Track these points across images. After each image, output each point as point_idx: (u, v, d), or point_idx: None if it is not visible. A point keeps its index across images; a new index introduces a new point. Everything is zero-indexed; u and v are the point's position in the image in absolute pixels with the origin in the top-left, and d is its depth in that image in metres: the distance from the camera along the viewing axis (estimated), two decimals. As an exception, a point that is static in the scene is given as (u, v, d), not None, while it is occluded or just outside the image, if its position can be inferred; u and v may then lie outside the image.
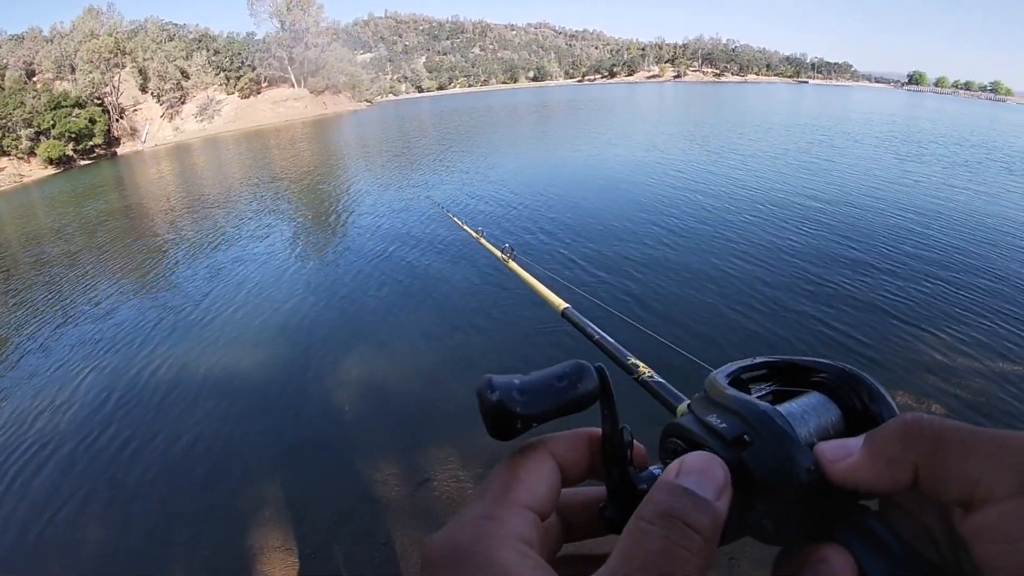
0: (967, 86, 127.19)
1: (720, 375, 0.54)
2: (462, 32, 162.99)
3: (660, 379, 1.02)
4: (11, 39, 70.35)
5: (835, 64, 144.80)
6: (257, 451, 7.02)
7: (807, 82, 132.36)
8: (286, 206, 22.63)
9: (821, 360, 0.49)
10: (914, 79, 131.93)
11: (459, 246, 13.16)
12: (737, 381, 0.54)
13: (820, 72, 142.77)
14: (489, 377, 0.49)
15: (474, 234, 3.55)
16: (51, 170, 53.55)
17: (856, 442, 0.38)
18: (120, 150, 63.92)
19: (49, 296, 14.70)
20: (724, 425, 0.46)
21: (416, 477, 6.12)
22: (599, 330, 1.40)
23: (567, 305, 1.75)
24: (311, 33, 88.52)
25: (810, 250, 11.49)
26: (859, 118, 42.72)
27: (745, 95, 78.95)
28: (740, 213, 14.43)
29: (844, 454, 0.38)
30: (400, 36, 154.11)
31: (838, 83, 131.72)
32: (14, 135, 52.54)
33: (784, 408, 0.45)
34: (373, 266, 13.08)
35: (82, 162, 57.21)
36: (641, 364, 1.13)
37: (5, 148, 51.84)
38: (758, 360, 0.51)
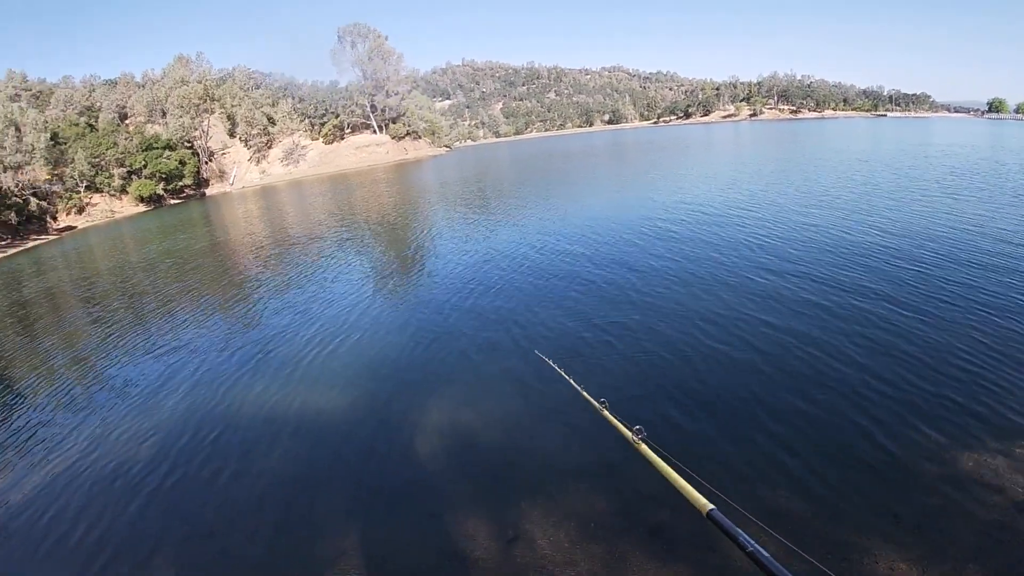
0: None
1: None
2: (537, 78, 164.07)
3: None
4: (105, 83, 73.16)
5: (913, 95, 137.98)
6: (334, 497, 6.69)
7: (886, 115, 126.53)
8: (371, 248, 21.80)
9: None
10: (994, 107, 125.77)
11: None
12: None
13: (898, 104, 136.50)
14: None
15: (596, 404, 2.98)
16: (142, 207, 54.25)
17: None
18: (208, 191, 64.82)
19: (137, 326, 14.71)
20: None
21: (505, 534, 5.63)
22: (752, 541, 1.26)
23: (713, 507, 1.51)
24: (392, 81, 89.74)
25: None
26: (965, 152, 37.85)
27: (825, 131, 74.84)
28: None
29: None
30: (477, 83, 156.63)
31: (917, 115, 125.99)
32: (107, 173, 53.38)
33: None
34: (457, 324, 11.83)
35: (172, 201, 57.92)
36: None
37: (98, 185, 52.67)
38: None
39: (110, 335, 14.19)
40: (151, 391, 10.33)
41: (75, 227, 47.19)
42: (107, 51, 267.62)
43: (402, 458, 7.15)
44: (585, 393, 3.51)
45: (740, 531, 1.30)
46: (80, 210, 49.97)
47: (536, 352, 11.35)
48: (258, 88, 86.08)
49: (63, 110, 60.38)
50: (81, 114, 60.99)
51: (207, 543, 6.13)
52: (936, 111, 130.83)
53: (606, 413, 2.85)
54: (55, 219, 47.34)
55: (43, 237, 42.37)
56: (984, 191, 20.65)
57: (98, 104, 65.47)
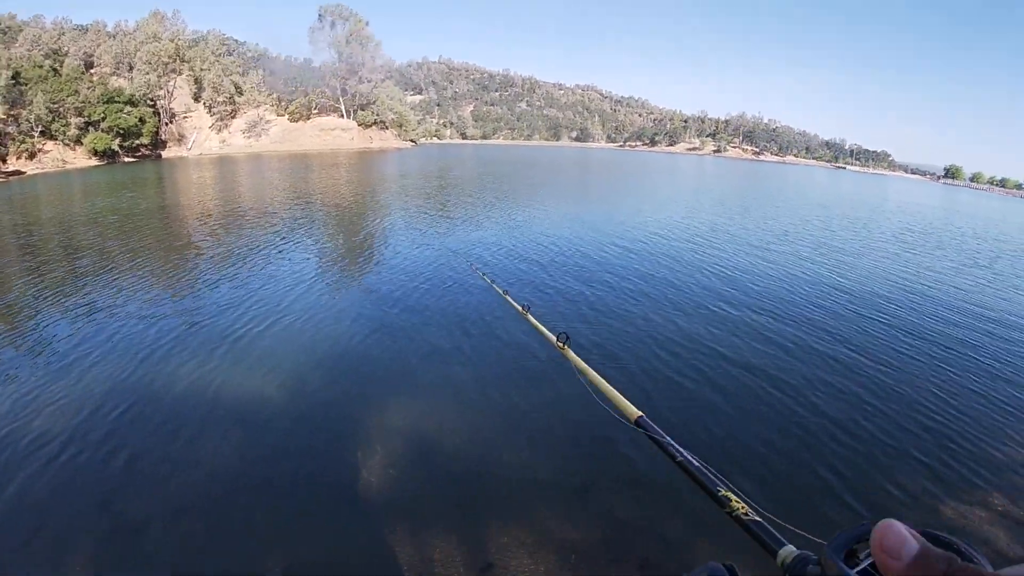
0: (1003, 183, 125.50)
1: (836, 550, 0.57)
2: (511, 85, 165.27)
3: (757, 518, 0.96)
4: (76, 28, 71.44)
5: (873, 152, 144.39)
6: (283, 500, 5.94)
7: (845, 168, 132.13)
8: (322, 230, 21.85)
9: (930, 531, 0.50)
10: (950, 172, 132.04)
11: (493, 303, 12.00)
12: (849, 552, 0.57)
13: (858, 159, 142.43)
14: None
15: (520, 309, 3.18)
16: (95, 161, 53.54)
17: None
18: (165, 153, 64.07)
19: (68, 281, 14.07)
20: None
21: (477, 561, 5.11)
22: (682, 449, 1.23)
23: (641, 414, 1.50)
24: (366, 68, 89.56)
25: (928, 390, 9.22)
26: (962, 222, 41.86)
27: (786, 175, 78.89)
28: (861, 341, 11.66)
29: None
30: (451, 82, 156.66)
31: (875, 171, 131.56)
32: (64, 121, 52.59)
33: None
34: (406, 312, 11.95)
35: (126, 158, 57.20)
36: (735, 496, 1.03)
37: (53, 132, 51.85)
38: (867, 529, 0.51)
39: (38, 286, 13.68)
40: (66, 352, 9.58)
41: (24, 172, 46.45)
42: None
43: (361, 460, 6.56)
44: (510, 299, 3.72)
45: (669, 438, 1.30)
46: (31, 156, 49.15)
47: (473, 266, 13.37)
48: (230, 55, 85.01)
49: (29, 50, 59.03)
50: (47, 56, 59.63)
51: (132, 541, 5.40)
52: (894, 170, 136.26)
53: (529, 317, 2.96)
54: (3, 161, 46.60)
55: (-11, 178, 41.65)
56: (939, 250, 23.25)
57: (65, 48, 64.14)
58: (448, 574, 4.97)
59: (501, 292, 4.10)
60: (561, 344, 2.30)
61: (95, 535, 5.44)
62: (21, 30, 62.75)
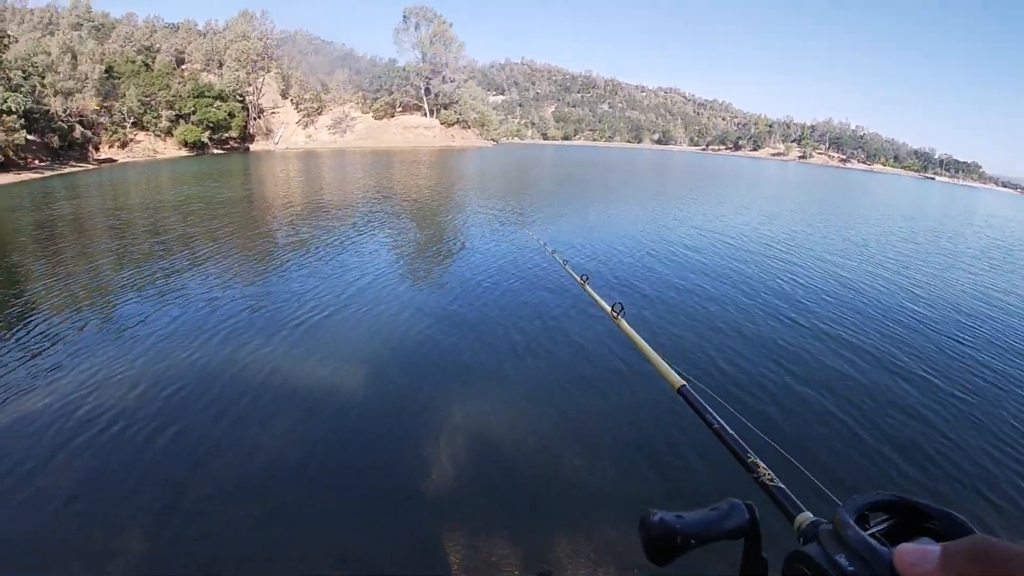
0: None
1: (849, 512, 0.60)
2: (593, 87, 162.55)
3: (781, 484, 1.03)
4: (167, 26, 72.97)
5: (964, 163, 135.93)
6: (341, 493, 5.76)
7: (934, 178, 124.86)
8: (397, 223, 21.48)
9: (941, 508, 0.52)
10: None
11: (564, 291, 12.23)
12: (861, 516, 0.61)
13: (948, 169, 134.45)
14: (650, 509, 0.75)
15: (579, 279, 3.25)
16: (184, 152, 54.21)
17: (935, 550, 0.44)
18: (253, 146, 64.69)
19: (159, 269, 13.94)
20: (852, 568, 0.52)
21: (535, 565, 4.88)
22: (719, 418, 1.31)
23: (684, 383, 1.56)
24: (449, 68, 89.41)
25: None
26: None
27: (872, 184, 75.16)
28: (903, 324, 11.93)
29: (922, 561, 0.44)
30: (533, 83, 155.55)
31: (965, 183, 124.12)
32: (155, 113, 53.38)
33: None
34: (477, 298, 12.12)
35: (215, 150, 57.84)
36: (762, 464, 1.11)
37: (145, 124, 52.63)
38: (883, 498, 0.54)
39: (122, 268, 13.84)
40: (162, 335, 9.62)
41: (115, 160, 47.08)
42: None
43: (420, 455, 6.40)
44: (568, 268, 3.67)
45: (708, 407, 1.33)
46: (123, 145, 49.86)
47: (529, 233, 14.33)
48: (317, 54, 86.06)
49: (122, 46, 60.27)
50: (139, 52, 60.80)
51: (186, 524, 5.27)
52: (985, 182, 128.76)
53: (588, 288, 2.99)
54: (97, 149, 47.23)
55: (82, 165, 42.21)
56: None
57: (157, 45, 65.34)
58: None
59: (561, 263, 4.12)
60: (615, 314, 2.33)
61: (151, 512, 5.37)
62: (114, 27, 64.26)
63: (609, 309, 2.37)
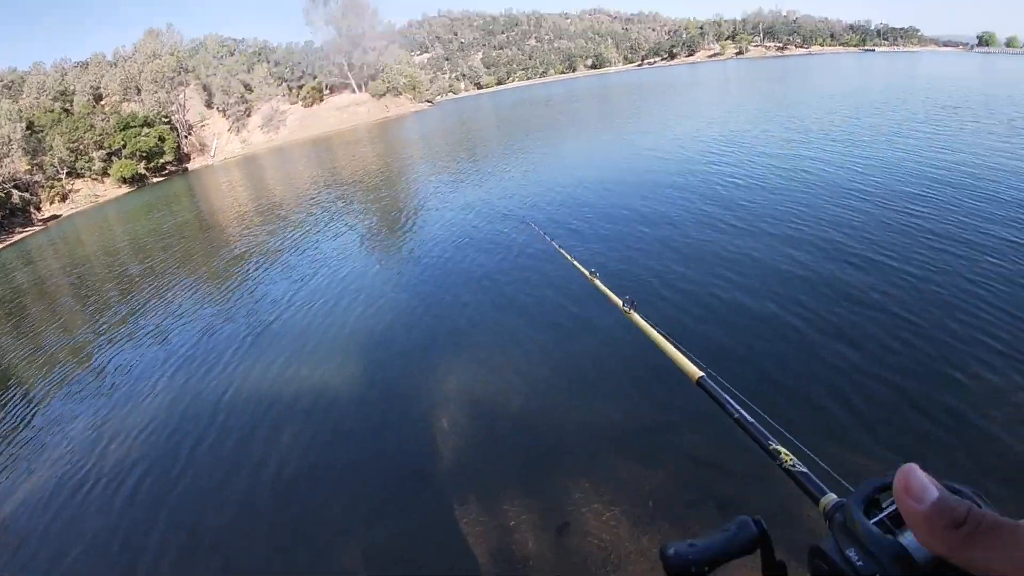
0: None
1: (858, 499, 0.62)
2: (516, 25, 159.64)
3: (804, 468, 1.05)
4: (76, 66, 71.24)
5: (901, 29, 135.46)
6: (353, 488, 5.93)
7: (874, 50, 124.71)
8: (357, 208, 21.59)
9: (952, 484, 0.53)
10: (984, 40, 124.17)
11: (550, 261, 10.93)
12: (872, 501, 0.62)
13: (886, 39, 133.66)
14: (667, 543, 0.81)
15: (587, 274, 3.07)
16: (125, 188, 53.94)
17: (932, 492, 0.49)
18: (191, 165, 64.28)
19: (130, 309, 14.22)
20: (861, 563, 0.54)
21: (553, 520, 4.99)
22: (739, 408, 1.32)
23: (702, 374, 1.57)
24: (368, 37, 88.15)
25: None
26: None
27: (811, 67, 73.11)
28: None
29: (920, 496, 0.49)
30: (455, 34, 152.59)
31: (906, 49, 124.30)
32: (87, 157, 52.94)
33: (907, 540, 0.52)
34: (458, 276, 11.58)
35: (155, 179, 57.53)
36: (783, 450, 1.13)
37: (79, 171, 52.29)
38: (891, 479, 0.55)
39: (99, 319, 13.99)
40: (142, 377, 9.75)
41: (60, 215, 46.98)
42: (76, 32, 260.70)
43: (425, 434, 6.48)
44: (577, 263, 3.52)
45: (728, 398, 1.37)
46: (63, 197, 49.62)
47: (528, 222, 12.77)
48: (232, 55, 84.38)
49: (36, 97, 59.15)
50: (55, 99, 59.84)
51: (209, 556, 5.48)
52: (925, 45, 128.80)
53: (597, 282, 2.94)
54: (39, 209, 47.02)
55: (28, 229, 42.17)
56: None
57: (72, 87, 64.09)
58: (525, 539, 4.86)
59: (569, 257, 3.84)
60: (627, 309, 2.30)
61: (168, 561, 5.47)
62: (24, 80, 62.85)
63: (621, 304, 2.36)
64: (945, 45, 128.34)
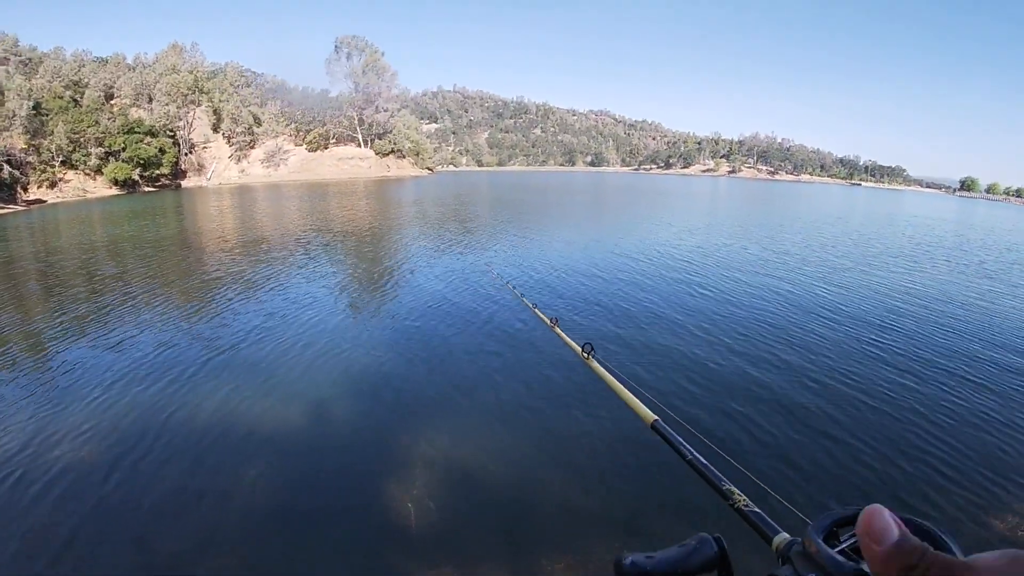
0: (1019, 193, 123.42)
1: (817, 530, 0.63)
2: (525, 112, 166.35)
3: (756, 509, 1.07)
4: (95, 60, 72.19)
5: (888, 167, 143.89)
6: (317, 535, 5.56)
7: (860, 184, 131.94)
8: (341, 255, 21.79)
9: (908, 517, 0.54)
10: (966, 185, 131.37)
11: (524, 322, 12.14)
12: (830, 533, 0.64)
13: (873, 175, 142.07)
14: (623, 552, 0.82)
15: (548, 322, 3.22)
16: (115, 190, 53.96)
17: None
18: (185, 183, 64.57)
19: (93, 308, 13.91)
20: None
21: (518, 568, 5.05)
22: (692, 450, 1.36)
23: (656, 418, 1.63)
24: (382, 97, 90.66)
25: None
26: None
27: (800, 194, 78.23)
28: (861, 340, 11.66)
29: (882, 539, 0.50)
30: (465, 110, 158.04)
31: (891, 187, 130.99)
32: (84, 151, 53.13)
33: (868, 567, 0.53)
34: (431, 331, 11.94)
35: (146, 188, 57.60)
36: (737, 491, 1.16)
37: (74, 162, 52.35)
38: (850, 512, 0.56)
39: (56, 313, 13.54)
40: (103, 384, 9.13)
41: (45, 201, 46.81)
42: (103, 29, 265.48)
43: (397, 491, 6.22)
44: (538, 311, 3.73)
45: (682, 440, 1.41)
46: (52, 185, 49.50)
47: (496, 273, 14.10)
48: (248, 87, 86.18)
49: (50, 81, 59.63)
50: (67, 87, 60.20)
51: (126, 555, 5.29)
52: (909, 184, 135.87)
53: (558, 330, 3.02)
54: (25, 190, 46.88)
55: (10, 207, 41.90)
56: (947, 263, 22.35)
57: (85, 80, 64.59)
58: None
59: (530, 306, 4.18)
60: (586, 355, 2.34)
61: (126, 570, 5.16)
62: (42, 62, 63.45)
63: (580, 350, 2.40)
64: (928, 187, 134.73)
